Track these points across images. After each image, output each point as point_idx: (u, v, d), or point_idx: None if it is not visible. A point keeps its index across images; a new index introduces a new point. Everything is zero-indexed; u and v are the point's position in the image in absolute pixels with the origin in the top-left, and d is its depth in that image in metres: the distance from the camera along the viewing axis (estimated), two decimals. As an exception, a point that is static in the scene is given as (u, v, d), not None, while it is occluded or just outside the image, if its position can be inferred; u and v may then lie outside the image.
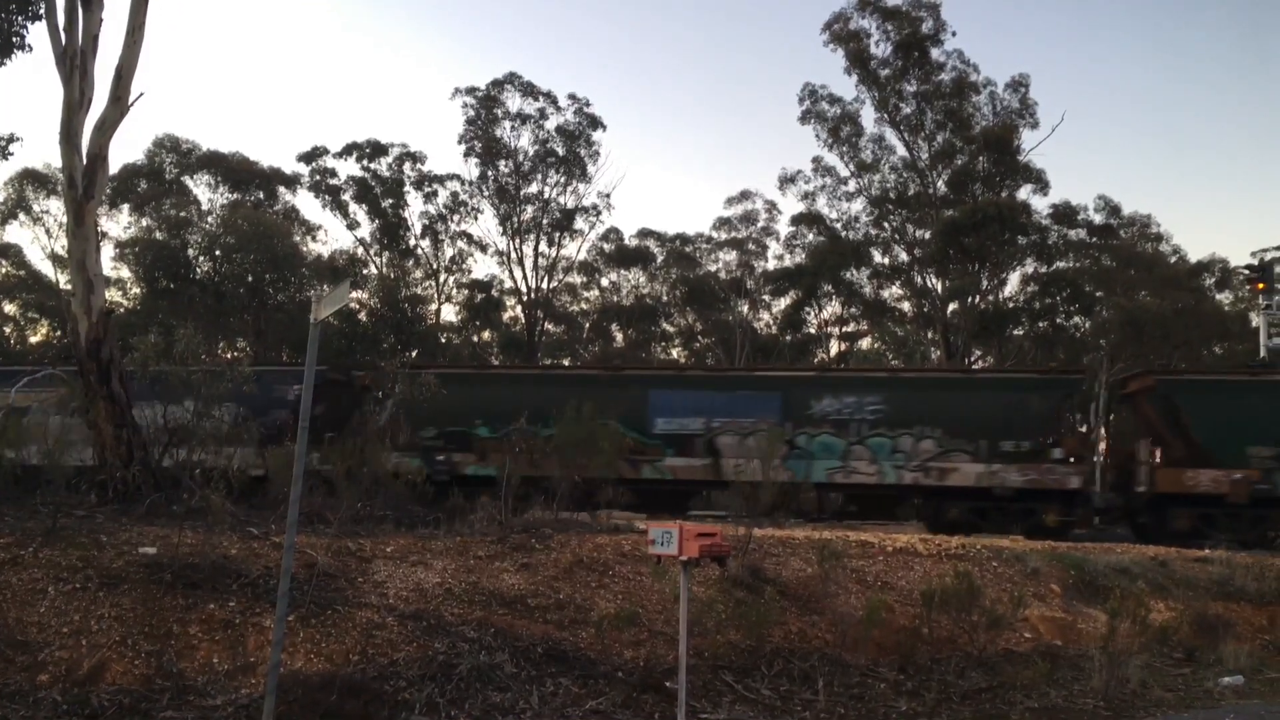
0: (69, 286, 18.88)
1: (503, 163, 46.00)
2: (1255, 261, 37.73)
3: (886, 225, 44.46)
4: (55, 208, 41.04)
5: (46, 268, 43.29)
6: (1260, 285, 29.83)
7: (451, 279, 48.60)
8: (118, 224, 42.49)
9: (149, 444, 13.67)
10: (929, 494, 20.74)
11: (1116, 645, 10.38)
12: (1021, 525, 19.92)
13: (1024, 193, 41.42)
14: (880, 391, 21.71)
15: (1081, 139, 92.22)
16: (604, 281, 51.34)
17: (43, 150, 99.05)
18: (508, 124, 45.89)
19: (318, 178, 46.47)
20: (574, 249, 48.61)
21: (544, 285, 47.52)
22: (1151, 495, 20.26)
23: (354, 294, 39.22)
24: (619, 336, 50.42)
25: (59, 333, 38.80)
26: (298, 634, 8.94)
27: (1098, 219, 44.73)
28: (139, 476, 12.99)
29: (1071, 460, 20.51)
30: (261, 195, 44.78)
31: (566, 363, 47.56)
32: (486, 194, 46.77)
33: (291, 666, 8.46)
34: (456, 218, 47.54)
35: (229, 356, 30.97)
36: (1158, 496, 20.11)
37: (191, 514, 11.32)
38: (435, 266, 47.83)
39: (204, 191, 43.77)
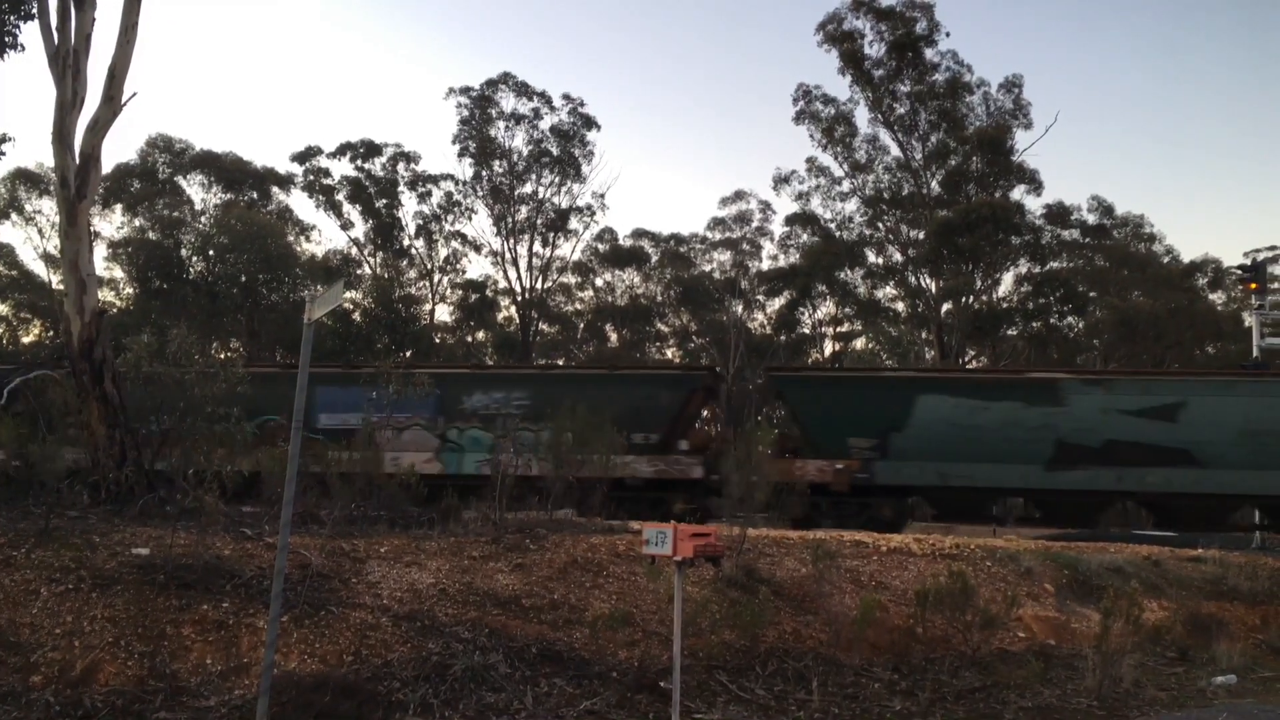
0: (61, 286, 18.86)
1: (497, 163, 46.04)
2: (1248, 262, 37.78)
3: (881, 225, 44.58)
4: (48, 207, 41.04)
5: (39, 268, 43.30)
6: (1253, 285, 29.88)
7: (446, 279, 48.69)
8: (111, 224, 42.56)
9: (141, 445, 13.63)
10: (568, 484, 21.32)
11: (1110, 644, 10.39)
12: (656, 514, 20.21)
13: (1018, 193, 41.64)
14: (527, 387, 22.50)
15: (1075, 139, 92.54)
16: (598, 282, 51.43)
17: (35, 150, 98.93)
18: (502, 124, 46.00)
19: (311, 178, 46.49)
20: (568, 249, 48.73)
21: (538, 285, 47.58)
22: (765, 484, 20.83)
23: (348, 294, 39.24)
24: (613, 337, 50.46)
25: (51, 333, 38.72)
26: (291, 635, 8.92)
27: (1091, 219, 44.94)
28: (132, 477, 12.95)
29: (694, 451, 21.46)
30: (255, 195, 44.77)
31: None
32: (481, 194, 46.84)
33: (285, 667, 8.44)
34: (451, 218, 47.63)
35: (224, 357, 30.87)
36: (773, 485, 20.68)
37: (185, 515, 11.29)
38: (429, 267, 47.86)
39: (197, 191, 43.82)
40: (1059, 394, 20.50)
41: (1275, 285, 40.06)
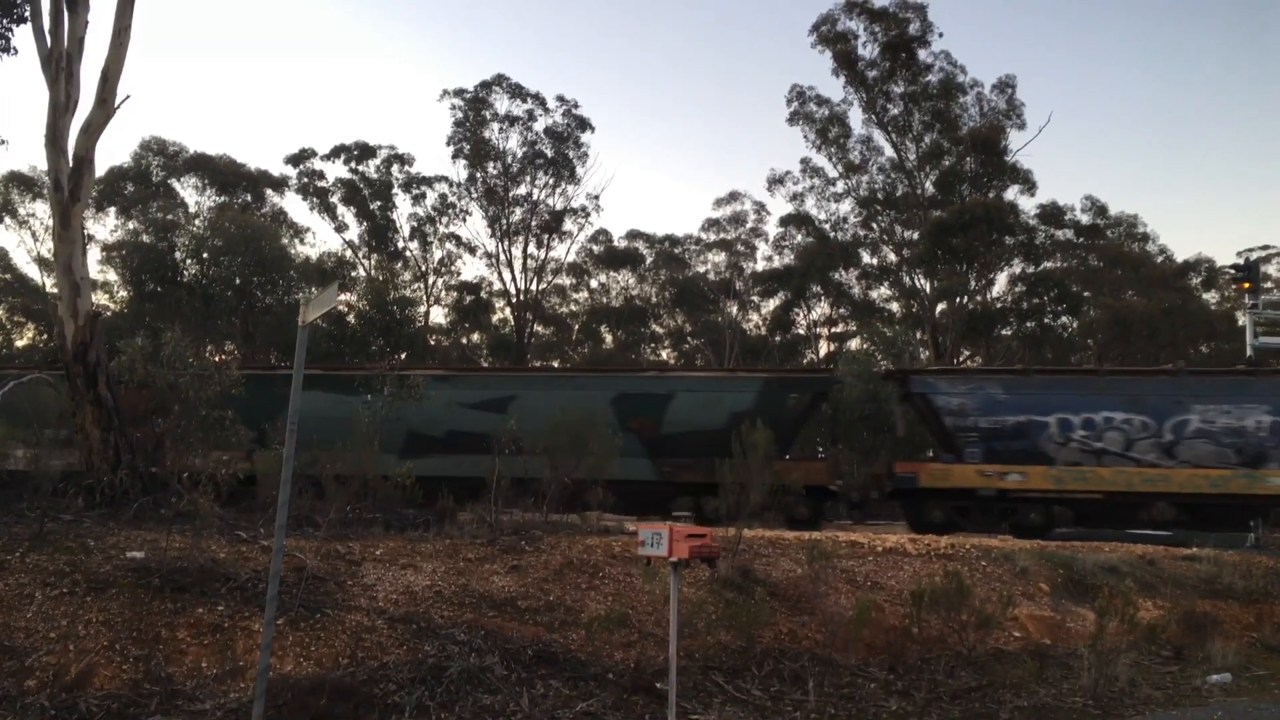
0: (55, 290, 18.80)
1: (491, 164, 45.98)
2: (1241, 261, 37.97)
3: (875, 226, 44.61)
4: (41, 211, 41.00)
5: (32, 271, 43.19)
6: (1246, 285, 29.91)
7: (440, 281, 48.62)
8: (104, 227, 42.45)
9: (135, 447, 13.60)
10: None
11: (1105, 644, 10.41)
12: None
13: (1011, 193, 41.69)
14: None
15: (1068, 139, 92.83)
16: (593, 283, 51.43)
17: (28, 153, 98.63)
18: (496, 125, 45.93)
19: (305, 180, 46.42)
20: (563, 250, 48.70)
21: (533, 287, 47.55)
22: None
23: (342, 296, 39.13)
24: (608, 338, 50.45)
25: (45, 336, 38.64)
26: (287, 637, 8.91)
27: (1085, 219, 44.98)
28: (126, 480, 12.93)
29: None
30: (249, 198, 44.70)
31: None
32: (475, 196, 46.77)
33: (280, 670, 8.43)
34: (445, 219, 47.54)
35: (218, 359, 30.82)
36: None
37: (179, 518, 11.27)
38: (424, 269, 47.79)
39: (191, 194, 43.75)
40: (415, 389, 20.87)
41: (1268, 285, 40.24)
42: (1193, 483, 20.41)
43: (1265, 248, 46.98)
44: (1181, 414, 20.95)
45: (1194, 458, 20.61)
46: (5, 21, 15.81)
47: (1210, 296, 46.32)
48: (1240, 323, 35.39)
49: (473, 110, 45.69)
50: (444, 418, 20.95)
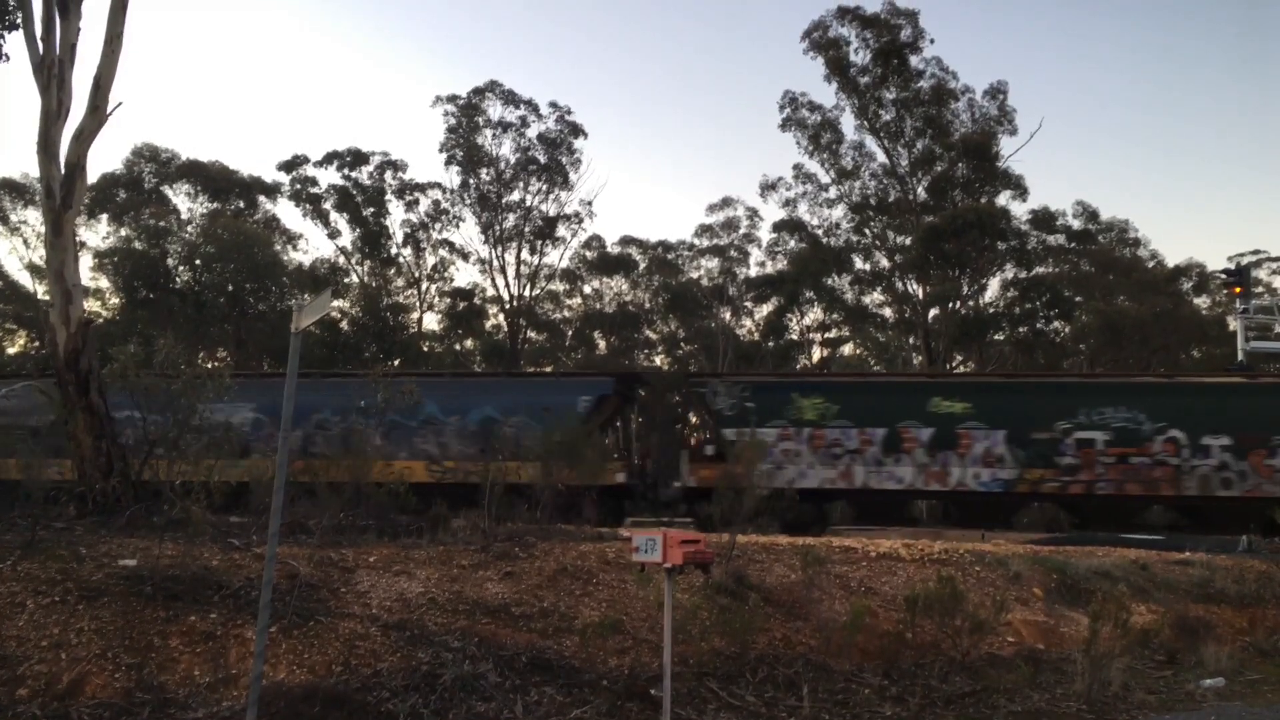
0: (47, 297, 18.72)
1: (484, 171, 46.00)
2: (1232, 266, 38.02)
3: (867, 231, 44.70)
4: (33, 218, 40.89)
5: (24, 278, 43.09)
6: (1237, 290, 30.08)
7: (433, 287, 48.62)
8: (96, 234, 42.36)
9: (128, 455, 13.55)
10: None
11: (1098, 648, 10.42)
12: None
13: (1003, 199, 41.85)
14: None
15: (1060, 145, 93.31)
16: (586, 289, 51.48)
17: (20, 160, 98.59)
18: (489, 132, 45.97)
19: (298, 186, 46.39)
20: (556, 257, 48.76)
21: (526, 293, 47.55)
22: None
23: (335, 303, 39.11)
24: (601, 344, 50.46)
25: (37, 343, 38.51)
26: (280, 645, 8.88)
27: (1076, 224, 45.20)
28: (119, 488, 12.88)
29: None
30: (242, 204, 44.65)
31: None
32: (468, 202, 46.79)
33: (274, 678, 8.40)
34: (438, 226, 47.58)
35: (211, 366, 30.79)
36: None
37: (172, 525, 11.23)
38: (417, 275, 47.78)
39: (183, 201, 43.70)
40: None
41: (1259, 289, 40.41)
42: None
43: (1256, 253, 47.18)
44: None
45: None
46: (-3, 28, 15.76)
47: (1201, 301, 46.59)
48: (1231, 327, 35.55)
49: (466, 116, 45.73)
50: None
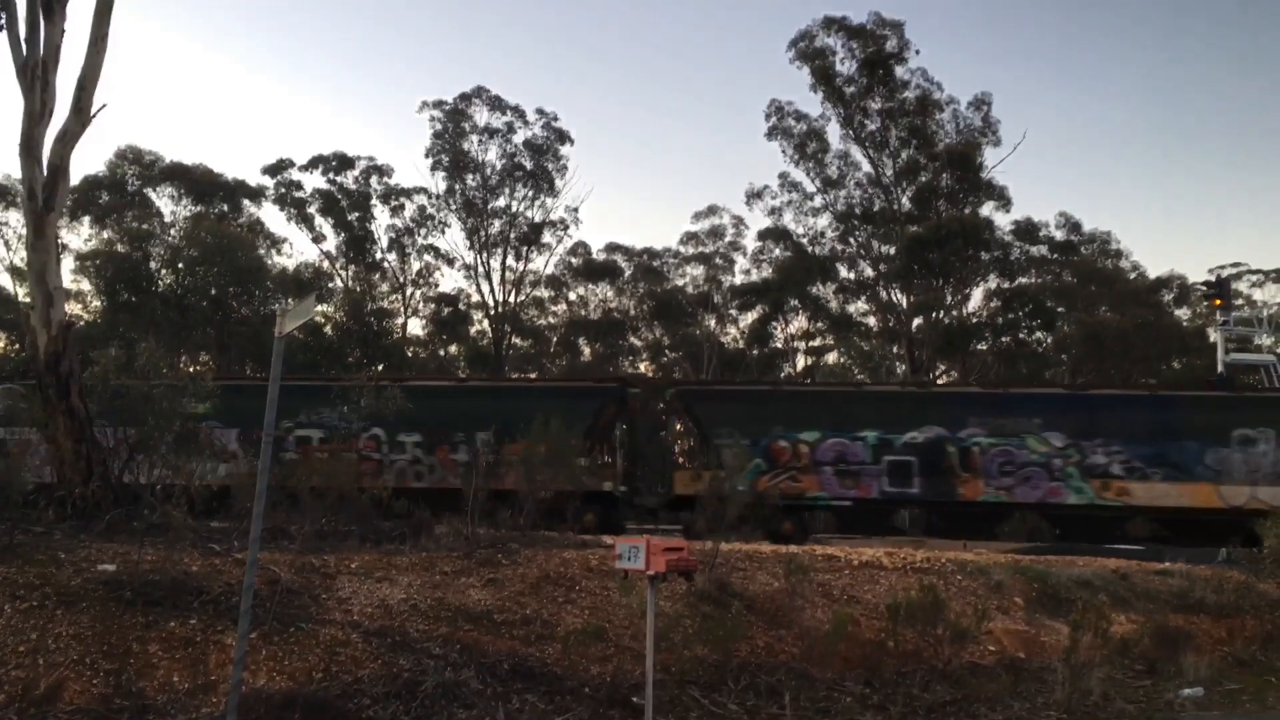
0: (28, 299, 18.60)
1: (470, 176, 45.93)
2: (1213, 278, 38.43)
3: (852, 240, 44.85)
4: (14, 219, 40.55)
5: (5, 280, 42.71)
6: (1218, 301, 30.37)
7: (418, 292, 48.44)
8: (78, 236, 42.00)
9: (108, 459, 13.46)
10: None
11: (1079, 658, 10.48)
12: None
13: (987, 209, 42.04)
14: None
15: (1043, 157, 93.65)
16: (571, 295, 51.39)
17: (2, 161, 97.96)
18: (475, 137, 45.90)
19: (283, 190, 46.16)
20: (541, 263, 48.67)
21: (511, 299, 47.46)
22: None
23: (319, 308, 38.97)
24: (586, 350, 50.42)
25: (17, 346, 38.19)
26: (260, 652, 8.84)
27: (1059, 235, 45.40)
28: (98, 492, 12.78)
29: None
30: (225, 208, 44.39)
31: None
32: (454, 207, 46.69)
33: (254, 685, 8.35)
34: (423, 231, 47.42)
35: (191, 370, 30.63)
36: None
37: (152, 530, 11.16)
38: (402, 280, 47.64)
39: (167, 204, 43.37)
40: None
41: (1239, 302, 40.73)
42: None
43: (1236, 265, 47.60)
44: None
45: None
46: (-20, 29, 15.65)
47: (1183, 313, 46.87)
48: (1212, 339, 35.84)
49: (452, 122, 45.66)
50: None
